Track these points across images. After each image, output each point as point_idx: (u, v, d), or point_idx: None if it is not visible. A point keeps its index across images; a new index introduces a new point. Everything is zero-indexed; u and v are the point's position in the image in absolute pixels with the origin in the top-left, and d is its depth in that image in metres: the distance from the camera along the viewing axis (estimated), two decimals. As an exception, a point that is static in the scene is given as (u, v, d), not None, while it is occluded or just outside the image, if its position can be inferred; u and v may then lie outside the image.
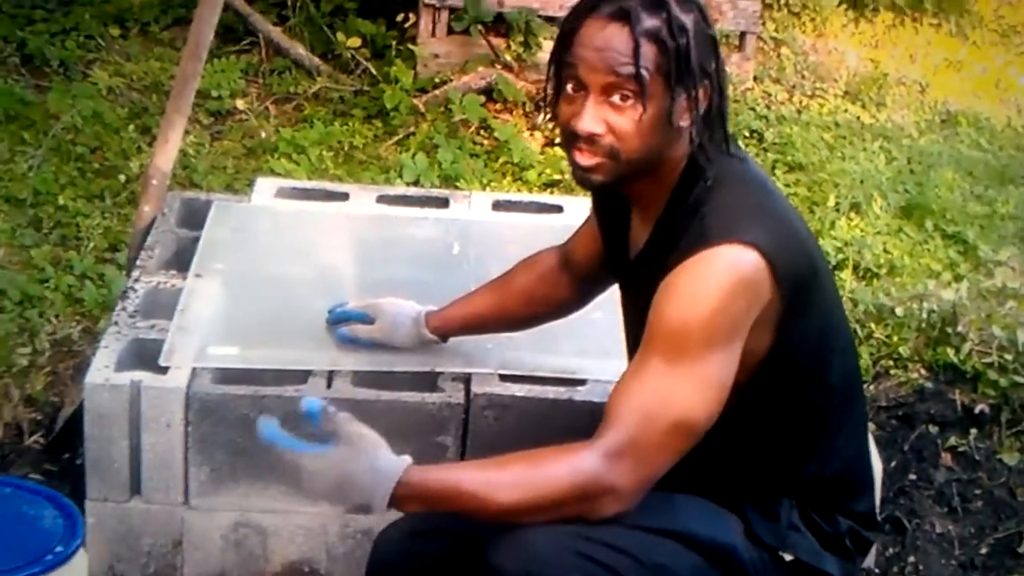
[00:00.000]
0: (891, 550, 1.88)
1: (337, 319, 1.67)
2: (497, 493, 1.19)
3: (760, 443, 1.30)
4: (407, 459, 1.21)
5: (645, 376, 1.20)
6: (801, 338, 1.26)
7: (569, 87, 1.23)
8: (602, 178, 1.24)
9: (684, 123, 1.23)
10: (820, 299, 1.28)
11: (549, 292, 1.54)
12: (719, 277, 1.19)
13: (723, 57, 1.27)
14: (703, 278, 1.19)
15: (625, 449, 1.18)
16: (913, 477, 2.00)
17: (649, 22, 1.19)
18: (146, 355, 1.65)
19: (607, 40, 1.20)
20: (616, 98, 1.20)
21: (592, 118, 1.21)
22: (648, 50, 1.19)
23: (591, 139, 1.22)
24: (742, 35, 3.52)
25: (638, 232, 1.33)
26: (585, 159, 1.23)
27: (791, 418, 1.29)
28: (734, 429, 1.25)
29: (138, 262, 1.88)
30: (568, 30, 1.24)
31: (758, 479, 1.31)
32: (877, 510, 1.44)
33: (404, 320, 1.60)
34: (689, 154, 1.26)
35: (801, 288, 1.24)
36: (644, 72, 1.19)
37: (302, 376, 1.63)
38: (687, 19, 1.21)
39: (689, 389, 1.19)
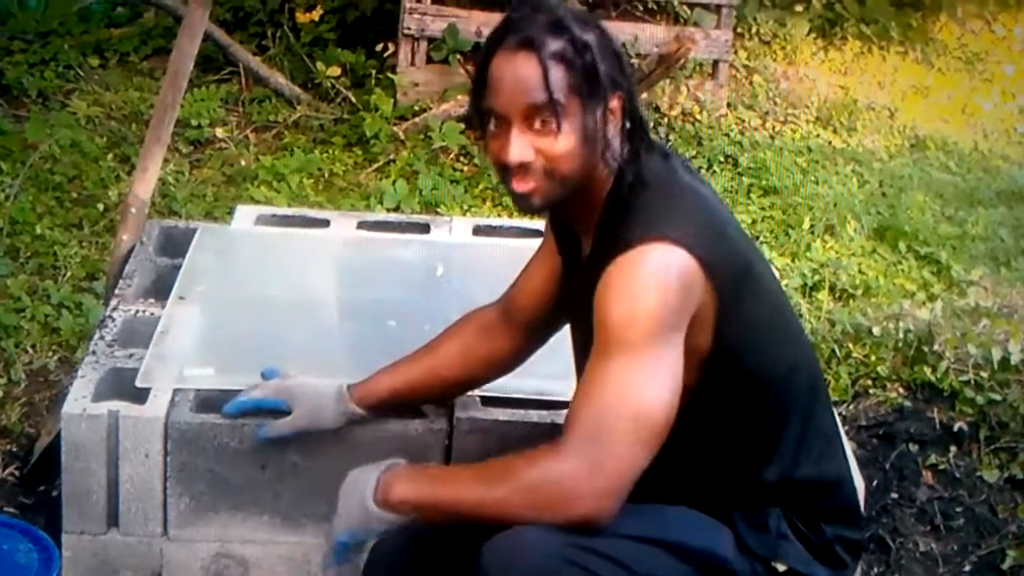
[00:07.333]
0: (876, 569, 1.88)
1: (240, 410, 1.53)
2: (467, 492, 1.22)
3: (720, 446, 1.31)
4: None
5: (597, 376, 1.21)
6: (742, 336, 1.27)
7: (492, 123, 1.26)
8: (541, 200, 1.28)
9: (606, 134, 1.27)
10: (758, 297, 1.30)
11: (490, 348, 1.49)
12: (650, 273, 1.21)
13: (629, 65, 1.32)
14: (636, 275, 1.22)
15: (587, 448, 1.18)
16: (895, 496, 2.01)
17: (554, 45, 1.23)
18: (124, 385, 1.63)
19: (517, 71, 1.24)
20: (537, 124, 1.24)
21: (519, 148, 1.24)
22: (557, 72, 1.23)
23: (523, 167, 1.25)
24: (715, 63, 3.58)
25: (585, 249, 1.35)
26: (522, 186, 1.26)
27: (746, 418, 1.30)
28: (692, 433, 1.26)
29: (116, 291, 1.87)
30: (481, 69, 1.27)
31: (738, 486, 1.31)
32: (861, 507, 1.44)
33: (325, 401, 1.50)
34: (619, 162, 1.29)
35: (735, 285, 1.26)
36: (557, 94, 1.22)
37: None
38: (589, 36, 1.25)
39: (642, 380, 1.20)
